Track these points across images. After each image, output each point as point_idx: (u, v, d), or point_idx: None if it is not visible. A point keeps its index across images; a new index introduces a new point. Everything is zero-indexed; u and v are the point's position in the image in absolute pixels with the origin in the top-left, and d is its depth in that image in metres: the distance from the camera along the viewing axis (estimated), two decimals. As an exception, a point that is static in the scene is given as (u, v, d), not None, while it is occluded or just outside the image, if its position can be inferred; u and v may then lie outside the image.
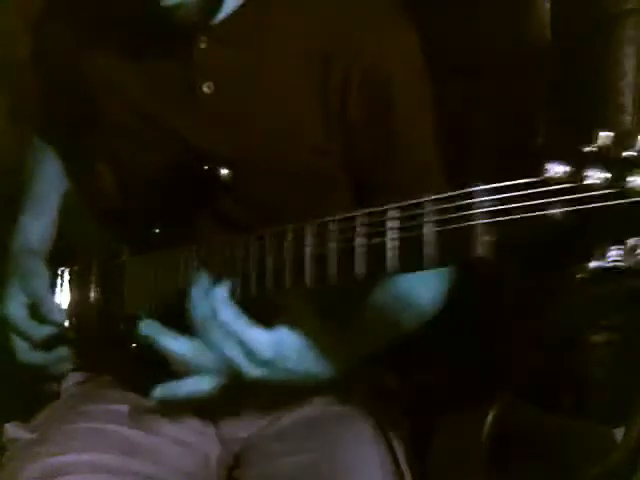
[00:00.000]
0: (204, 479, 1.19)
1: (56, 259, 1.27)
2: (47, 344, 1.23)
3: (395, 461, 1.12)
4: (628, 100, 1.20)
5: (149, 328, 1.04)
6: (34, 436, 1.17)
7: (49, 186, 1.34)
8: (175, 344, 1.02)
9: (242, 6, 1.12)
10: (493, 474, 1.08)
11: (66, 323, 1.23)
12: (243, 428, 1.21)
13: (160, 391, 1.04)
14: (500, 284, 1.19)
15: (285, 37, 1.11)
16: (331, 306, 1.01)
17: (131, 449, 1.15)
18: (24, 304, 1.22)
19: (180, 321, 1.03)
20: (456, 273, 1.10)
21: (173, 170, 1.14)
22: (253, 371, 1.00)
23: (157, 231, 1.16)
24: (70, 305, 1.24)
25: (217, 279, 1.00)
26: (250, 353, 0.99)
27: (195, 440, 1.20)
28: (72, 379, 1.27)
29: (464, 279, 1.09)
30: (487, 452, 1.08)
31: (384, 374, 1.26)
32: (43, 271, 1.23)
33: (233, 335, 0.98)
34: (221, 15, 1.12)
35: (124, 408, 1.20)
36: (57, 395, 1.26)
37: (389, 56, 1.10)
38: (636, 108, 1.21)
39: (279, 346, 0.99)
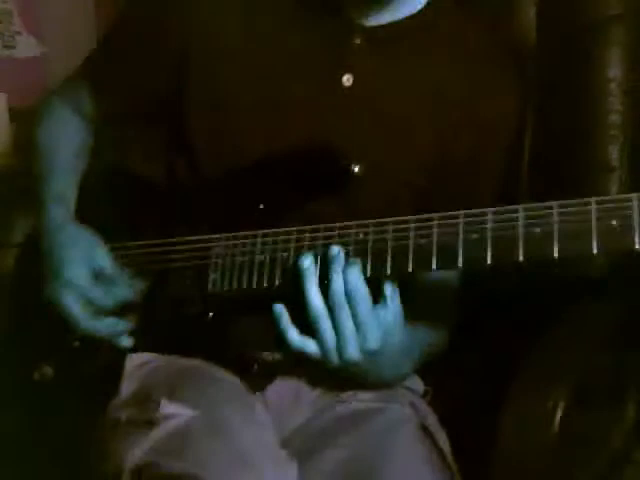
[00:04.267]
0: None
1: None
2: (114, 313, 1.19)
3: (443, 459, 1.14)
4: (615, 102, 1.25)
5: (307, 267, 1.04)
6: (197, 413, 1.08)
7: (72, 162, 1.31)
8: (315, 293, 1.04)
9: (401, 21, 1.20)
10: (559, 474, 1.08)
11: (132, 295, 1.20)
12: (293, 416, 1.22)
13: (279, 312, 1.06)
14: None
15: (419, 69, 1.20)
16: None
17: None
18: (89, 271, 1.19)
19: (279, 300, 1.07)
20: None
21: (297, 154, 1.16)
22: (355, 356, 1.03)
23: (262, 207, 1.16)
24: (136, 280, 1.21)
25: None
26: (363, 338, 1.03)
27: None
28: (137, 360, 1.20)
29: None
30: (555, 451, 1.07)
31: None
32: (99, 241, 1.22)
33: (357, 315, 1.02)
34: (382, 20, 1.19)
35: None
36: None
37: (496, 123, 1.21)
38: (623, 106, 1.26)
39: (385, 339, 1.04)
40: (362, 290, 1.03)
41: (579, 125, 1.30)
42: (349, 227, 1.08)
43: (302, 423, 1.22)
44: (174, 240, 1.19)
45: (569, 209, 0.95)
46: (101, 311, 1.19)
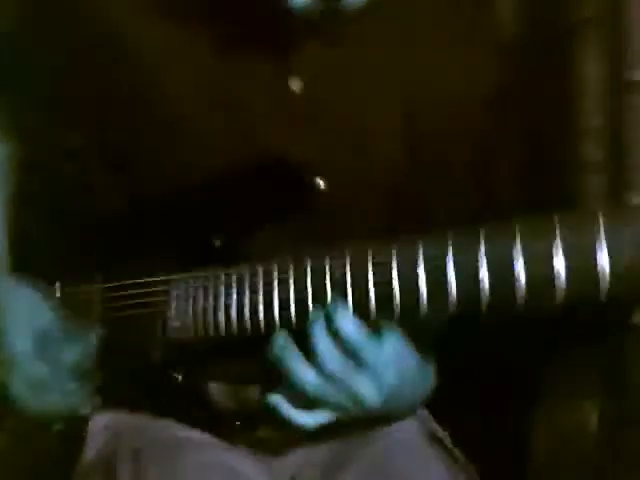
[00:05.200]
0: None
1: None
2: (68, 378, 1.05)
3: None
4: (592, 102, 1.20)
5: (283, 346, 0.94)
6: None
7: None
8: (303, 371, 0.93)
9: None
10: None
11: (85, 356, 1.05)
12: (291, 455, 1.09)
13: (274, 401, 0.95)
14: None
15: (383, 64, 1.04)
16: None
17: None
18: (34, 339, 1.03)
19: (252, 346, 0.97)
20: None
21: (254, 173, 1.02)
22: (378, 401, 0.94)
23: (217, 243, 1.03)
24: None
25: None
26: (379, 381, 0.93)
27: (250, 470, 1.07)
28: (99, 422, 1.07)
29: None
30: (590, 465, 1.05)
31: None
32: (40, 293, 1.06)
33: (364, 361, 0.92)
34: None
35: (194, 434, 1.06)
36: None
37: None
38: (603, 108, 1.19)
39: (401, 373, 0.95)
40: (358, 334, 0.92)
41: (557, 126, 1.22)
42: (321, 258, 0.95)
43: (305, 457, 1.08)
44: (129, 282, 1.05)
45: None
46: (53, 383, 1.04)
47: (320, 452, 1.07)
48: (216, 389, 1.06)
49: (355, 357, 0.93)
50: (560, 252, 0.83)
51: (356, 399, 0.94)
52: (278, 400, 0.95)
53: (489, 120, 1.11)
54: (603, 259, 0.82)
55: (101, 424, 1.06)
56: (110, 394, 1.06)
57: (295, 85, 1.05)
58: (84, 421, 1.05)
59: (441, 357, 1.02)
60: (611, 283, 0.82)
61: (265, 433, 1.04)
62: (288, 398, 0.95)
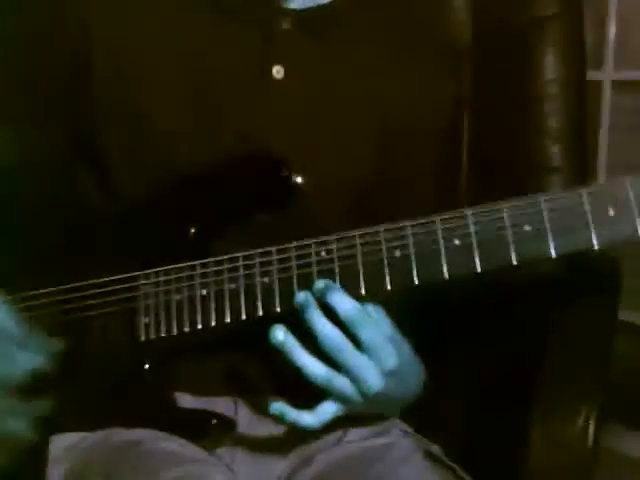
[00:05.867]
0: None
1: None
2: (22, 392, 0.93)
3: None
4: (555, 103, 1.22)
5: (283, 337, 0.90)
6: None
7: None
8: (309, 362, 0.90)
9: (333, 2, 1.06)
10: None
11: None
12: (275, 467, 1.03)
13: (279, 409, 0.91)
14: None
15: (355, 57, 1.06)
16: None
17: None
18: None
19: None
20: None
21: (230, 166, 0.99)
22: (378, 384, 0.91)
23: (192, 231, 0.98)
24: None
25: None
26: (378, 361, 0.90)
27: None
28: (64, 441, 0.98)
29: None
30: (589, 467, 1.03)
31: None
32: None
33: (364, 342, 0.90)
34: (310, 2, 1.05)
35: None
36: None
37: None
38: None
39: (399, 356, 0.92)
40: (356, 311, 0.89)
41: (519, 127, 1.24)
42: (306, 246, 0.93)
43: (289, 473, 1.02)
44: (91, 282, 0.98)
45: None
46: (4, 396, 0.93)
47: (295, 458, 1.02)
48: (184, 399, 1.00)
49: (354, 337, 0.90)
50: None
51: (359, 382, 0.91)
52: (282, 407, 0.91)
53: (449, 123, 1.13)
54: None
55: (65, 444, 0.97)
56: (71, 412, 0.97)
57: (278, 74, 1.04)
58: (43, 441, 0.95)
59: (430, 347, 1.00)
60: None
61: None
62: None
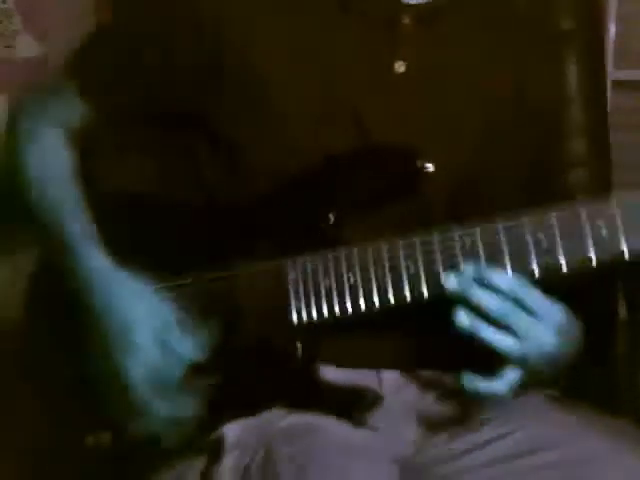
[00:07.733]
0: None
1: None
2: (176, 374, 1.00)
3: None
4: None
5: (469, 321, 0.94)
6: None
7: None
8: (497, 337, 0.94)
9: None
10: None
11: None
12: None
13: (471, 380, 0.96)
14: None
15: (469, 48, 1.09)
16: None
17: None
18: (155, 335, 1.00)
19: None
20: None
21: (363, 155, 1.04)
22: (553, 342, 0.96)
23: (332, 217, 1.02)
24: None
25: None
26: (549, 323, 0.95)
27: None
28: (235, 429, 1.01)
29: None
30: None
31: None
32: (156, 289, 1.02)
33: (532, 308, 0.94)
34: None
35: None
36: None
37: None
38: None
39: (559, 327, 0.96)
40: (514, 280, 0.94)
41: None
42: (451, 238, 0.96)
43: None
44: (236, 271, 1.03)
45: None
46: (167, 373, 1.00)
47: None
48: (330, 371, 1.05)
49: (523, 306, 0.95)
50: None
51: (536, 342, 0.95)
52: (473, 378, 0.96)
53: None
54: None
55: (236, 434, 1.00)
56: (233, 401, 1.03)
57: (400, 68, 1.07)
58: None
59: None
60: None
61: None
62: None
